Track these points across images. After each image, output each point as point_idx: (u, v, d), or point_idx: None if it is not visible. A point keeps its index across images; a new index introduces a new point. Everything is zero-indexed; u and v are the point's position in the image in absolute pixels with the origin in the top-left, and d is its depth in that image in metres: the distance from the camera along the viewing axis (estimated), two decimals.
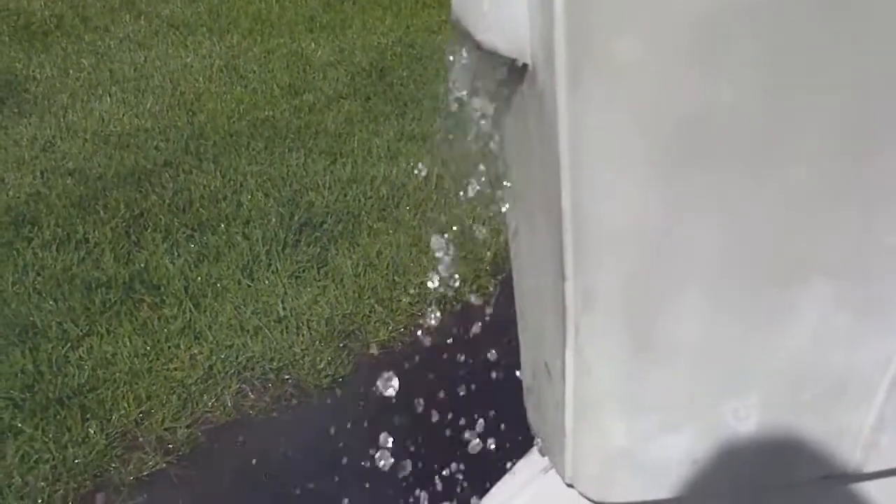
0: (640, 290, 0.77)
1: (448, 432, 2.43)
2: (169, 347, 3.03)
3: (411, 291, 3.32)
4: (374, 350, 3.07)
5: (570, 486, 0.92)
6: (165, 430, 2.72)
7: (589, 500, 0.91)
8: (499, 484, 1.00)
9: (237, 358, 2.99)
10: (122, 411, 2.76)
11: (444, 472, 2.31)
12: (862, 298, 0.82)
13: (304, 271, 3.40)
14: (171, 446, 2.68)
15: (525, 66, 0.71)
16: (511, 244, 0.92)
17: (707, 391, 0.85)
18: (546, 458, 0.96)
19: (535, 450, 0.99)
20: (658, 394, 0.84)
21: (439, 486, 2.28)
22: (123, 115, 4.56)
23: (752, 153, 0.70)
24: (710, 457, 0.88)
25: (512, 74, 0.73)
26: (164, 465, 2.62)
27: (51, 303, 3.20)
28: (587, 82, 0.66)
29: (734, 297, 0.78)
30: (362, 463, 2.42)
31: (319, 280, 3.36)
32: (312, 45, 5.58)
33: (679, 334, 0.80)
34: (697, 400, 0.85)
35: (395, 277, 3.38)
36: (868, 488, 0.98)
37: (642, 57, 0.64)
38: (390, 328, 3.15)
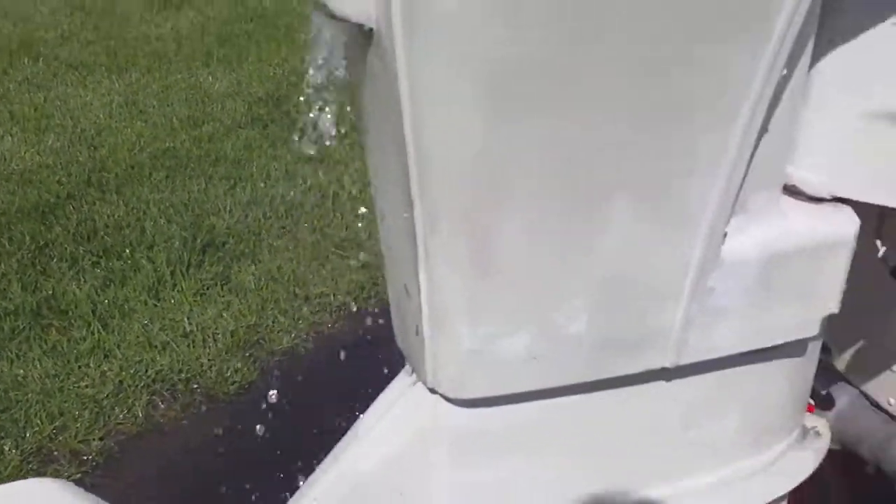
0: (474, 214, 0.89)
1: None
2: (79, 367, 3.14)
3: (312, 301, 3.49)
4: (278, 357, 3.23)
5: (432, 391, 1.04)
6: (79, 442, 2.84)
7: (449, 400, 1.03)
8: (376, 400, 1.15)
9: (146, 372, 3.12)
10: (36, 428, 2.87)
11: None
12: (659, 213, 0.94)
13: (208, 289, 3.54)
14: (85, 458, 2.80)
15: (371, 29, 0.82)
16: (371, 185, 1.04)
17: (538, 298, 0.97)
18: (413, 373, 1.07)
19: (405, 370, 1.10)
20: (497, 303, 0.96)
21: None
22: (25, 152, 4.65)
23: (559, 95, 0.83)
24: (548, 354, 1.00)
25: (361, 38, 0.85)
26: (80, 475, 2.73)
27: None
28: (419, 36, 0.78)
29: (553, 217, 0.91)
30: (271, 463, 2.57)
31: (223, 296, 3.51)
32: (210, 78, 5.72)
33: (510, 250, 0.92)
34: (531, 306, 0.97)
35: (296, 289, 3.54)
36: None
37: (457, 9, 0.76)
38: (293, 336, 3.32)
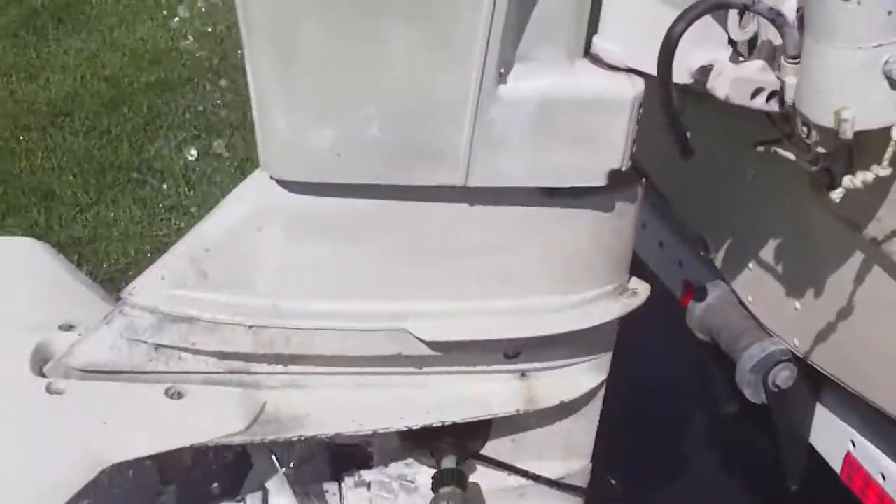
0: (277, 22, 1.08)
1: None
2: (161, 219, 3.55)
3: None
4: None
5: (271, 178, 1.22)
6: None
7: (280, 184, 1.21)
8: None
9: None
10: (112, 261, 3.28)
11: None
12: (431, 43, 1.07)
13: None
14: None
15: None
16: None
17: (337, 98, 1.12)
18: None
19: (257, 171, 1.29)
20: (303, 96, 1.13)
21: None
22: (160, 37, 5.09)
23: None
24: (349, 153, 1.16)
25: None
26: None
27: (70, 177, 3.74)
28: None
29: (341, 30, 1.08)
30: None
31: None
32: None
33: (310, 53, 1.10)
34: (331, 105, 1.13)
35: None
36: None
37: None
38: None
